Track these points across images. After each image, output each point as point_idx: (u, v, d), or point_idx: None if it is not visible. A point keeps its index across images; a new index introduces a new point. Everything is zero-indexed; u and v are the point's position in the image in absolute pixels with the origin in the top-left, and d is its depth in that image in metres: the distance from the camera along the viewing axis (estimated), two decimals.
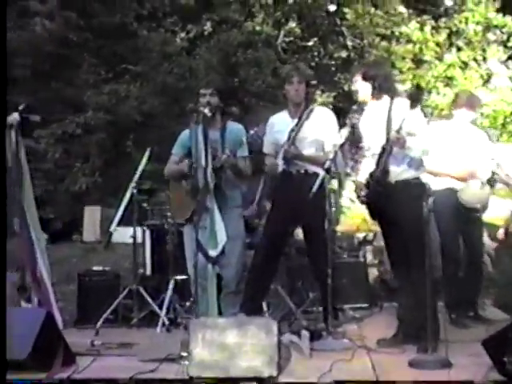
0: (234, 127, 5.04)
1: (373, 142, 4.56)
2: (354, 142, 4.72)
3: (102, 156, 10.36)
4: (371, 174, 4.47)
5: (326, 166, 4.51)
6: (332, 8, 9.88)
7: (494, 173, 5.34)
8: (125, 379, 3.81)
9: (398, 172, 4.42)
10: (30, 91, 12.12)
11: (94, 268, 6.40)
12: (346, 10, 9.88)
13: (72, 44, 11.69)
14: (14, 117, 4.49)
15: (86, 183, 10.00)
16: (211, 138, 4.81)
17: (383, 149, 4.40)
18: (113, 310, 5.60)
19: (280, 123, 5.02)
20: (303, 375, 3.81)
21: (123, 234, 6.40)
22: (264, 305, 5.33)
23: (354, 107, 4.68)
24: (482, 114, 10.11)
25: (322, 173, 4.53)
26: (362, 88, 4.62)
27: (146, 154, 5.67)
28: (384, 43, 10.31)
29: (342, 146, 4.65)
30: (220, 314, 4.84)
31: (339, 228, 7.68)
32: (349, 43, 10.16)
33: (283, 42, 10.09)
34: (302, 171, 4.92)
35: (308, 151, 4.91)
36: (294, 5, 10.02)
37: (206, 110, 4.51)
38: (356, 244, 7.20)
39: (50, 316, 4.02)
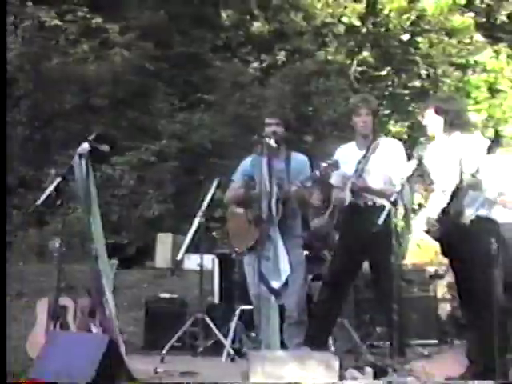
0: (299, 158, 5.05)
1: (442, 177, 4.48)
2: (421, 175, 4.63)
3: (174, 183, 10.52)
4: (443, 211, 4.38)
5: (393, 198, 4.44)
6: (405, 37, 9.79)
7: None
8: None
9: (472, 212, 4.32)
10: (109, 120, 12.54)
11: (162, 295, 6.49)
12: (419, 39, 9.81)
13: (148, 73, 12.00)
14: (84, 147, 4.61)
15: (159, 210, 10.17)
16: (276, 168, 4.84)
17: (457, 188, 4.32)
18: (179, 338, 5.66)
19: (348, 155, 4.99)
20: None
21: (194, 262, 6.46)
22: (330, 339, 5.27)
23: (422, 139, 4.60)
24: None
25: (388, 205, 4.47)
26: (433, 122, 4.55)
27: (215, 183, 5.72)
28: (458, 72, 10.14)
29: (409, 178, 4.57)
30: (283, 344, 4.82)
31: (411, 261, 7.53)
32: (422, 72, 10.04)
33: (356, 72, 10.06)
34: (370, 203, 4.86)
35: (375, 184, 4.86)
36: (367, 34, 10.00)
37: (272, 141, 4.53)
38: (427, 278, 7.03)
39: (113, 343, 4.08)
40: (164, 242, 9.74)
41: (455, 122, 4.49)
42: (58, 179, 4.56)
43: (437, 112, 4.52)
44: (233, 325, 5.51)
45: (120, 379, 4.01)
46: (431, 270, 7.16)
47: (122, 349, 4.34)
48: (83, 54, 12.58)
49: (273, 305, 4.52)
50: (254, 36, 10.60)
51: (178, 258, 5.89)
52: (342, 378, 3.81)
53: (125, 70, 12.50)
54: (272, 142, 4.53)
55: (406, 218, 4.72)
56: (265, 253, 4.47)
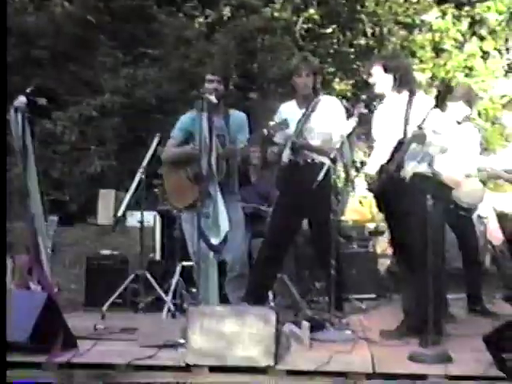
0: (238, 115, 5.04)
1: (385, 134, 4.52)
2: (365, 133, 4.67)
3: (117, 139, 10.36)
4: (382, 167, 4.42)
5: (332, 155, 4.48)
6: None
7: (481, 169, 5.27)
8: (122, 365, 3.82)
9: (412, 167, 4.37)
10: (50, 73, 12.21)
11: (103, 252, 6.45)
12: None
13: (91, 26, 11.70)
14: (20, 100, 4.48)
15: (102, 166, 10.01)
16: (216, 125, 4.82)
17: (400, 143, 4.35)
18: (120, 295, 5.64)
19: (289, 113, 4.98)
20: (300, 366, 3.80)
21: (136, 219, 6.41)
22: (270, 294, 5.33)
23: (364, 97, 4.62)
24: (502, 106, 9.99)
25: (327, 162, 4.50)
26: (381, 80, 4.54)
27: (156, 139, 5.66)
28: (403, 32, 10.15)
29: (348, 136, 4.61)
30: (225, 298, 4.88)
31: (352, 217, 7.63)
32: (368, 30, 10.01)
33: (302, 29, 9.97)
34: (310, 161, 4.89)
35: (315, 142, 4.89)
36: None
37: (212, 97, 4.48)
38: (367, 234, 7.16)
39: (51, 299, 4.04)
40: (106, 199, 9.62)
41: (404, 78, 4.51)
42: None
43: (385, 69, 4.52)
44: (173, 281, 5.50)
45: (58, 336, 3.98)
46: (371, 226, 7.31)
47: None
48: (21, 4, 12.18)
49: (211, 261, 4.54)
50: None
51: (118, 214, 5.84)
52: (279, 332, 3.86)
53: (66, 22, 12.16)
54: (213, 98, 4.49)
55: (346, 175, 4.77)
56: (204, 210, 4.46)
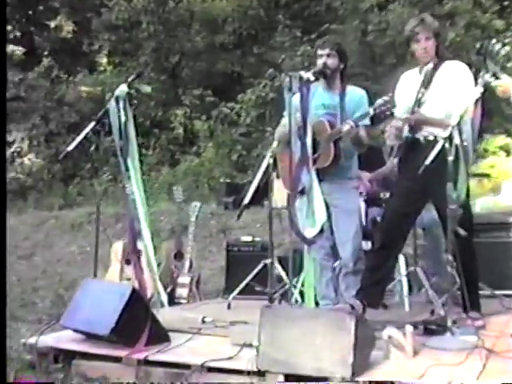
0: (355, 93, 4.52)
1: None
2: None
3: None
4: None
5: (446, 133, 3.81)
6: None
7: None
8: (197, 365, 3.59)
9: None
10: (234, 57, 12.36)
11: (244, 238, 6.29)
12: None
13: (272, 7, 11.66)
14: (121, 88, 4.37)
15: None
16: (328, 103, 4.40)
17: None
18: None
19: (409, 83, 4.37)
20: (398, 376, 3.28)
21: None
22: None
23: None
24: None
25: (441, 141, 3.84)
26: None
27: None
28: None
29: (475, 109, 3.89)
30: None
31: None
32: None
33: None
34: (431, 138, 4.23)
35: (437, 114, 4.21)
36: None
37: (305, 73, 3.98)
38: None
39: (136, 293, 3.92)
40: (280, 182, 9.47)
41: None
42: (92, 123, 4.37)
43: None
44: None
45: (143, 331, 3.85)
46: None
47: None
48: None
49: (306, 256, 4.08)
50: None
51: (244, 202, 5.49)
52: (366, 338, 3.37)
53: (251, 5, 12.22)
54: (305, 74, 4.01)
55: (464, 157, 3.97)
56: (298, 199, 4.05)
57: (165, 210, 9.75)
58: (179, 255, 6.23)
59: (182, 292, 6.04)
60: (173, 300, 5.98)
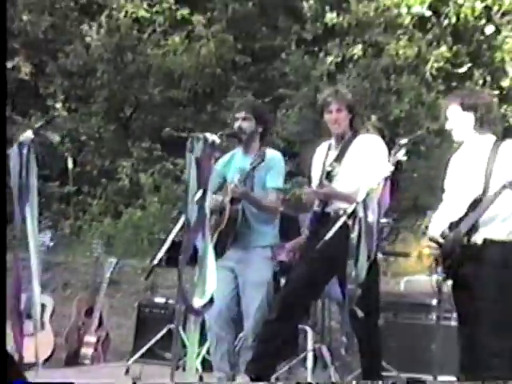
0: (271, 156, 4.38)
1: (459, 187, 3.69)
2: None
3: None
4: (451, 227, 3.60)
5: (350, 209, 3.66)
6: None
7: None
8: None
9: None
10: (188, 113, 12.30)
11: (156, 299, 6.06)
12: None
13: (229, 67, 11.69)
14: (27, 135, 4.13)
15: None
16: (243, 167, 4.30)
17: (479, 199, 3.53)
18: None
19: (322, 154, 4.27)
20: None
21: None
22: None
23: (402, 142, 3.73)
24: None
25: (343, 217, 3.69)
26: (458, 121, 3.72)
27: None
28: None
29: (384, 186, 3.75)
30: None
31: None
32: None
33: (433, 68, 9.04)
34: (341, 212, 4.08)
35: (347, 189, 4.09)
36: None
37: (210, 136, 3.82)
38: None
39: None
40: None
41: (485, 118, 3.67)
42: None
43: (463, 108, 3.68)
44: None
45: None
46: None
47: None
48: (173, 46, 12.44)
49: (192, 330, 3.80)
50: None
51: (154, 262, 5.22)
52: None
53: (209, 63, 12.24)
54: (211, 137, 3.84)
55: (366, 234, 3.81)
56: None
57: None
58: (90, 312, 5.98)
59: (86, 352, 5.77)
60: (76, 360, 5.72)
